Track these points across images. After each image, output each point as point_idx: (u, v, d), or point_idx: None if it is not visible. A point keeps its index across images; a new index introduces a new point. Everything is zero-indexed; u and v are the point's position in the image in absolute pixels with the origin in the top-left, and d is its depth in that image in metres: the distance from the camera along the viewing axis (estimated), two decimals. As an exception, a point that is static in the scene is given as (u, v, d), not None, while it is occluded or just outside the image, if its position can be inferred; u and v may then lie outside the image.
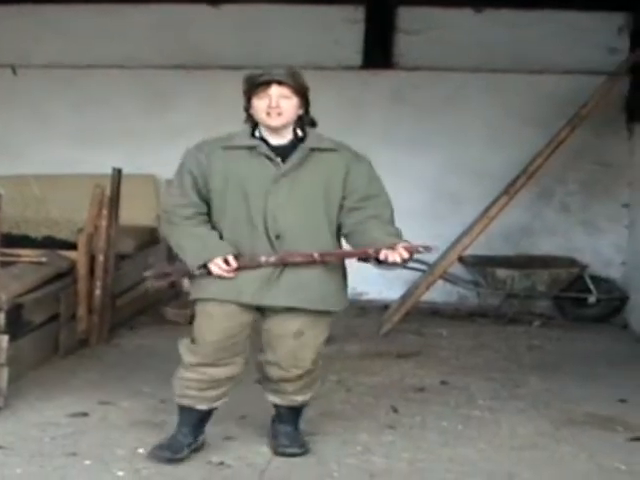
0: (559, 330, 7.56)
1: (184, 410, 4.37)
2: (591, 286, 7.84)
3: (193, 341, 4.26)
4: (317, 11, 8.34)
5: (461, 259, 7.69)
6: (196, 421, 4.38)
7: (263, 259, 4.13)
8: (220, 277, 4.13)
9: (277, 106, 4.11)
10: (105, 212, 6.47)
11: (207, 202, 4.23)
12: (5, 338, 5.04)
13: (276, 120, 4.14)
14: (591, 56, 8.09)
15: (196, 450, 4.39)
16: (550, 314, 7.98)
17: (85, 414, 4.97)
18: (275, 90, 4.11)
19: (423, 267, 7.54)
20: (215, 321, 4.19)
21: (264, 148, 4.17)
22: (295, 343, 4.28)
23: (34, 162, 8.44)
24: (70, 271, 6.36)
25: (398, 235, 4.17)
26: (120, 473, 4.19)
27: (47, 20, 8.55)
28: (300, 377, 4.37)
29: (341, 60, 8.40)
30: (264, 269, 4.14)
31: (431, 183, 8.36)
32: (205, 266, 4.14)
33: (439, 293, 7.97)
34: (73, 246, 6.53)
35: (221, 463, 4.33)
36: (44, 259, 6.26)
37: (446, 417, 5.14)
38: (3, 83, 8.62)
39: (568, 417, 5.18)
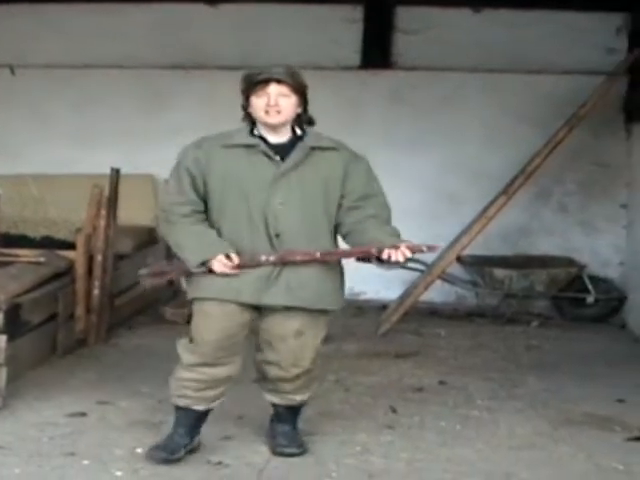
0: (557, 330, 7.56)
1: (181, 411, 4.35)
2: (589, 286, 7.85)
3: (191, 341, 4.25)
4: (315, 11, 8.34)
5: (459, 259, 7.69)
6: (193, 422, 4.36)
7: (263, 258, 4.12)
8: (221, 275, 4.10)
9: (276, 104, 4.11)
10: (103, 212, 6.47)
11: (204, 200, 4.21)
12: (3, 338, 5.04)
13: (275, 118, 4.13)
14: (589, 56, 8.10)
15: (192, 451, 4.38)
16: (548, 314, 7.99)
17: (83, 414, 4.97)
18: (274, 88, 4.11)
19: (421, 267, 7.55)
20: (214, 320, 4.18)
21: (264, 146, 4.16)
22: (296, 343, 4.27)
23: (32, 162, 8.44)
24: (68, 271, 6.36)
25: (397, 235, 4.18)
26: (118, 473, 4.19)
27: (45, 20, 8.55)
28: (299, 376, 4.36)
29: (339, 60, 8.40)
30: (263, 268, 4.13)
31: (429, 183, 8.37)
32: (204, 264, 4.12)
33: (437, 293, 7.98)
34: (71, 246, 6.53)
35: (219, 463, 4.33)
36: (42, 259, 6.26)
37: (444, 417, 5.14)
38: (1, 83, 8.62)
39: (566, 417, 5.18)
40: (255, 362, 4.41)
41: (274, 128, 4.18)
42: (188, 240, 4.16)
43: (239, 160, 4.16)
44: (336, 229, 4.29)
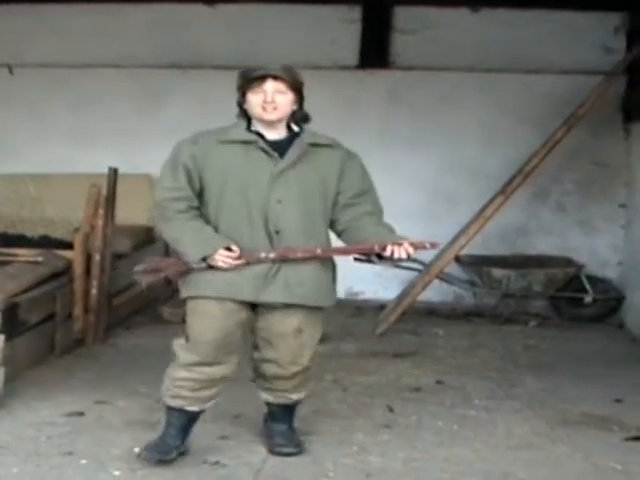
0: (555, 330, 7.57)
1: (174, 411, 4.31)
2: (587, 286, 7.85)
3: (188, 340, 4.22)
4: (313, 11, 8.35)
5: (457, 259, 7.69)
6: (186, 422, 4.33)
7: (263, 255, 4.10)
8: (223, 270, 4.06)
9: (272, 101, 4.10)
10: (101, 211, 6.47)
11: (199, 196, 4.18)
12: (1, 338, 5.05)
13: (272, 114, 4.13)
14: (587, 56, 8.10)
15: (182, 453, 4.34)
16: (546, 314, 7.99)
17: (81, 413, 4.97)
18: (270, 85, 4.10)
19: (419, 267, 7.55)
20: (212, 319, 4.15)
21: (262, 143, 4.15)
22: (295, 341, 4.26)
23: (30, 161, 8.45)
24: (66, 270, 6.36)
25: (393, 231, 4.20)
26: (116, 472, 4.19)
27: (44, 20, 8.55)
28: (297, 374, 4.36)
29: (337, 60, 8.40)
30: (261, 266, 4.11)
31: (427, 183, 8.37)
32: (205, 259, 4.08)
33: (435, 293, 7.98)
34: (69, 245, 6.53)
35: (216, 462, 4.32)
36: (40, 258, 6.26)
37: (442, 417, 5.13)
38: (0, 82, 8.62)
39: (564, 417, 5.18)
40: (252, 361, 4.39)
41: (270, 124, 4.17)
42: (186, 236, 4.13)
43: (236, 156, 4.15)
44: (331, 226, 4.29)
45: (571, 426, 5.03)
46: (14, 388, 5.20)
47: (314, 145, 4.20)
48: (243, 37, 8.36)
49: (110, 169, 6.64)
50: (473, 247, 7.49)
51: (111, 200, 6.60)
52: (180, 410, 4.30)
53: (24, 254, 6.35)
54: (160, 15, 8.49)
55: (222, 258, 4.07)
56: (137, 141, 8.37)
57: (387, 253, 4.08)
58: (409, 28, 8.39)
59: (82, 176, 7.53)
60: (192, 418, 4.34)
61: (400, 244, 4.08)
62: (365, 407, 5.28)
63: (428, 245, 4.22)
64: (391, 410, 5.23)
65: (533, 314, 7.91)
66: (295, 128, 4.25)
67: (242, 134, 4.18)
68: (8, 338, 5.13)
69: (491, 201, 7.40)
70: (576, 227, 8.35)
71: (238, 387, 4.54)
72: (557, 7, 8.09)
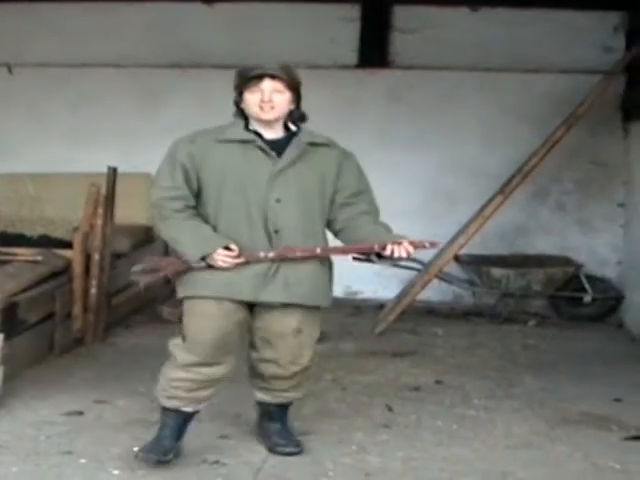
0: (554, 329, 7.57)
1: (169, 412, 4.28)
2: (586, 285, 7.84)
3: (185, 340, 4.19)
4: (312, 9, 8.34)
5: (456, 258, 7.69)
6: (181, 423, 4.30)
7: (262, 254, 4.09)
8: (222, 269, 4.05)
9: (270, 100, 4.09)
10: (100, 211, 6.47)
11: (196, 196, 4.16)
12: (0, 337, 5.04)
13: (269, 114, 4.11)
14: (587, 55, 8.10)
15: (176, 455, 4.30)
16: (545, 313, 7.99)
17: (80, 413, 4.97)
18: (268, 84, 4.09)
19: (419, 266, 7.55)
20: (211, 319, 4.13)
21: (260, 142, 4.14)
22: (295, 341, 4.25)
23: (29, 161, 8.45)
24: (65, 270, 6.36)
25: (390, 231, 4.20)
26: (115, 472, 4.19)
27: (42, 19, 8.54)
28: (297, 374, 4.35)
29: (337, 59, 8.40)
30: (260, 265, 4.10)
31: (426, 182, 8.37)
32: (204, 259, 4.06)
33: (434, 292, 7.98)
34: (69, 245, 6.53)
35: (216, 462, 4.32)
36: (39, 258, 6.26)
37: (441, 416, 5.13)
38: (-1, 82, 8.64)
39: (563, 416, 5.19)
40: (249, 361, 4.38)
41: (268, 124, 4.16)
42: (185, 235, 4.10)
43: (235, 155, 4.13)
44: (328, 225, 4.29)
45: (570, 425, 5.04)
46: (13, 387, 5.20)
47: (312, 144, 4.20)
48: (242, 36, 8.35)
49: (109, 168, 6.65)
50: (472, 246, 7.49)
51: (110, 199, 6.60)
52: (176, 411, 4.27)
53: (23, 253, 6.35)
54: (159, 14, 8.49)
55: (221, 257, 4.05)
56: (136, 140, 8.36)
57: (387, 252, 4.08)
58: (409, 27, 8.38)
59: (81, 175, 7.53)
60: (187, 418, 4.32)
61: (400, 243, 4.08)
62: (364, 406, 5.28)
63: (428, 244, 4.22)
64: (390, 409, 5.23)
65: (532, 313, 7.90)
66: (292, 127, 4.24)
67: (240, 133, 4.16)
68: (7, 337, 5.13)
69: (490, 200, 7.40)
70: (575, 226, 8.35)
71: (237, 386, 4.54)
72: (556, 6, 8.08)
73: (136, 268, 4.33)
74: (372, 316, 7.62)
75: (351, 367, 6.11)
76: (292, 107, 4.20)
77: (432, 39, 8.27)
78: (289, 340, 4.24)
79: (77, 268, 6.36)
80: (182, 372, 4.19)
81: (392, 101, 8.42)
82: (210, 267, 4.09)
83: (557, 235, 8.33)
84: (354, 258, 4.32)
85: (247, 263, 4.09)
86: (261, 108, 4.10)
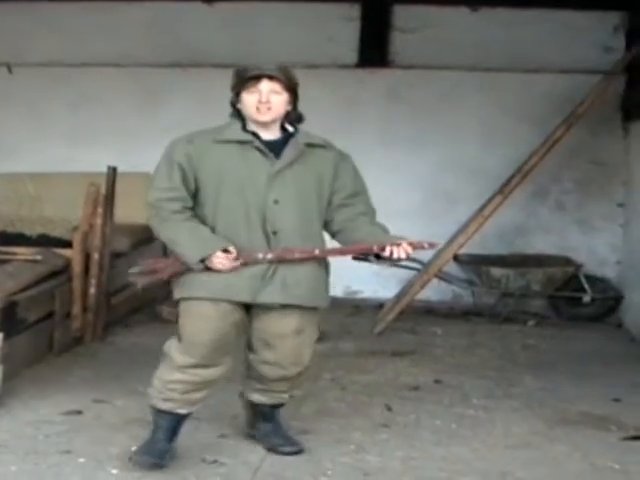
0: (554, 329, 7.57)
1: (163, 414, 4.24)
2: (586, 285, 7.85)
3: (181, 342, 4.15)
4: (312, 9, 8.34)
5: (456, 258, 7.69)
6: (175, 425, 4.27)
7: (260, 255, 4.07)
8: (220, 271, 4.03)
9: (267, 101, 4.07)
10: (100, 210, 6.47)
11: (194, 197, 4.14)
12: (0, 336, 5.04)
13: (265, 115, 4.10)
14: (587, 55, 8.11)
15: (170, 457, 4.26)
16: (545, 313, 8.00)
17: (79, 412, 4.97)
18: (265, 85, 4.07)
19: (418, 266, 7.54)
20: (208, 321, 4.10)
21: (258, 143, 4.12)
22: (295, 341, 4.23)
23: (29, 160, 8.45)
24: (65, 269, 6.37)
25: (387, 231, 4.19)
26: (114, 471, 4.18)
27: (42, 18, 8.55)
28: (299, 374, 4.35)
29: (336, 58, 8.40)
30: (258, 266, 4.07)
31: (426, 182, 8.37)
32: (203, 261, 4.04)
33: (434, 292, 7.98)
34: (68, 244, 6.53)
35: (215, 461, 4.32)
36: (39, 257, 6.26)
37: (440, 416, 5.13)
38: (-1, 81, 8.64)
39: (562, 416, 5.18)
40: (247, 363, 4.34)
41: (265, 125, 4.14)
42: (183, 236, 4.07)
43: (232, 156, 4.11)
44: (325, 227, 4.27)
45: (569, 425, 5.04)
46: (13, 387, 5.19)
47: (309, 145, 4.18)
48: (242, 35, 8.36)
49: (109, 168, 6.65)
50: (472, 246, 7.49)
51: (110, 199, 6.60)
52: (169, 413, 4.23)
53: (23, 253, 6.35)
54: (159, 14, 8.50)
55: (220, 260, 4.03)
56: (136, 140, 8.36)
57: (386, 253, 4.07)
58: (409, 27, 8.39)
59: (81, 175, 7.53)
60: (181, 420, 4.28)
61: (399, 244, 4.07)
62: (363, 406, 5.28)
63: (427, 245, 4.22)
64: (389, 409, 5.23)
65: (532, 313, 7.91)
66: (289, 128, 4.22)
67: (238, 134, 4.14)
68: (7, 336, 5.13)
69: (490, 200, 7.41)
70: (575, 226, 8.35)
71: (235, 386, 4.54)
72: (556, 6, 8.09)
73: (134, 270, 4.31)
74: (371, 316, 7.62)
75: (350, 367, 6.11)
76: (289, 108, 4.18)
77: (432, 39, 8.27)
78: (289, 341, 4.22)
79: (76, 267, 6.36)
80: (178, 374, 4.16)
81: (392, 101, 8.43)
82: (208, 269, 4.07)
83: (557, 235, 8.34)
84: (353, 257, 4.31)
85: (245, 264, 4.07)
86: (258, 109, 4.08)
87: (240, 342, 4.30)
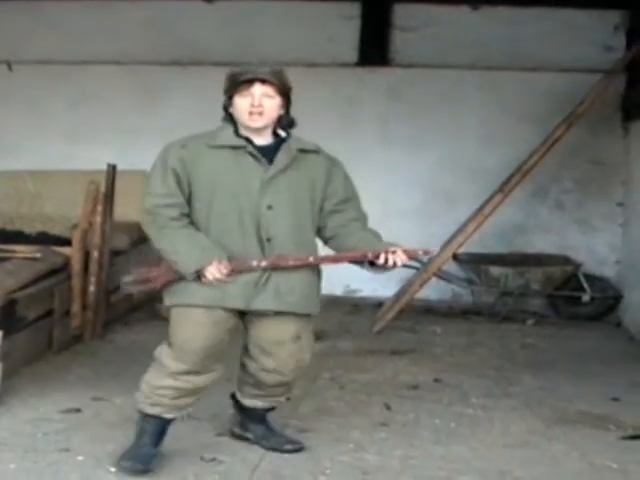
0: (553, 328, 7.57)
1: (150, 419, 4.21)
2: (585, 284, 7.85)
3: (173, 348, 4.12)
4: (312, 7, 8.35)
5: (455, 257, 7.70)
6: (161, 430, 4.24)
7: (255, 263, 4.02)
8: (211, 283, 3.97)
9: (260, 105, 4.01)
10: (99, 208, 6.47)
11: (187, 202, 4.08)
12: (-1, 334, 5.05)
13: (257, 122, 4.04)
14: (587, 54, 8.11)
15: (157, 462, 4.23)
16: (544, 312, 8.00)
17: (78, 410, 4.97)
18: (258, 89, 4.02)
19: (417, 265, 7.54)
20: (202, 328, 4.06)
21: (251, 148, 4.07)
22: (294, 347, 4.20)
23: (29, 158, 8.46)
24: (64, 267, 6.36)
25: (380, 237, 4.16)
26: (112, 469, 4.17)
27: (42, 16, 8.55)
28: (296, 378, 4.35)
29: (336, 57, 8.41)
30: (252, 273, 4.03)
31: (426, 181, 8.37)
32: (197, 270, 3.99)
33: (433, 291, 7.99)
34: (67, 242, 6.53)
35: (213, 459, 4.32)
36: (38, 255, 6.26)
37: (439, 415, 5.13)
38: (-1, 79, 8.65)
39: (561, 415, 5.18)
40: (245, 369, 4.32)
41: (257, 130, 4.08)
42: (180, 245, 4.00)
43: (226, 161, 4.06)
44: (317, 233, 4.24)
45: (568, 424, 5.04)
46: (12, 384, 5.19)
47: (302, 151, 4.14)
48: (241, 34, 8.36)
49: (109, 166, 6.65)
50: (471, 245, 7.49)
51: (109, 197, 6.60)
52: (157, 417, 4.20)
53: (22, 250, 6.35)
54: (158, 12, 8.50)
55: (213, 272, 3.96)
56: (136, 138, 8.37)
57: (380, 261, 4.05)
58: (409, 25, 8.39)
59: (81, 173, 7.53)
60: (167, 425, 4.25)
61: (394, 252, 4.05)
62: (362, 405, 5.28)
63: (421, 252, 4.22)
64: (388, 408, 5.23)
65: (531, 312, 7.92)
66: (282, 133, 4.17)
67: (231, 139, 4.09)
68: (6, 334, 5.13)
69: (489, 199, 7.40)
70: (574, 225, 8.36)
71: (234, 386, 4.53)
72: (557, 5, 8.10)
73: (127, 279, 4.28)
74: (371, 314, 7.62)
75: (349, 365, 6.11)
76: (282, 112, 4.12)
77: (432, 37, 8.28)
78: (289, 346, 4.19)
79: (76, 265, 6.36)
80: (170, 380, 4.12)
81: (392, 99, 8.43)
82: (199, 278, 4.00)
83: (556, 234, 8.34)
84: (351, 262, 4.28)
85: (239, 272, 4.01)
86: (250, 114, 4.03)
87: (237, 345, 4.29)
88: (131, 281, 4.27)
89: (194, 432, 4.54)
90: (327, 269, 4.30)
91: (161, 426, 4.23)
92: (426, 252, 4.26)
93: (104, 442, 4.49)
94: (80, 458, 4.30)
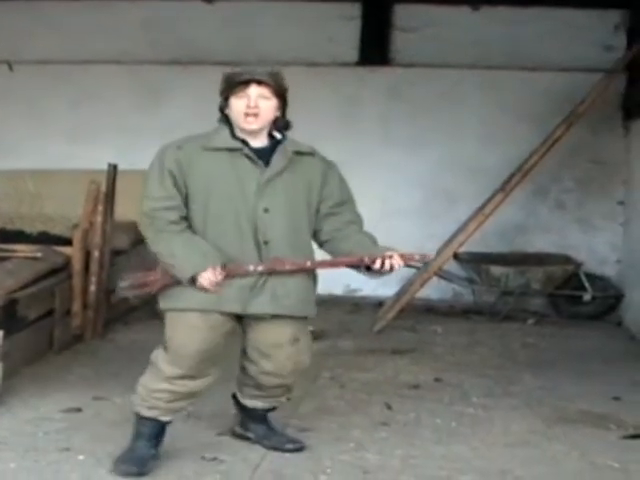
0: (553, 327, 7.58)
1: (145, 421, 4.20)
2: (586, 284, 7.85)
3: (169, 352, 4.10)
4: (313, 8, 8.35)
5: (456, 256, 7.69)
6: (157, 432, 4.23)
7: (251, 267, 4.00)
8: (207, 289, 3.95)
9: (255, 106, 3.99)
10: (100, 208, 6.48)
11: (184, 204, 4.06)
12: (0, 334, 5.04)
13: (252, 124, 4.02)
14: (587, 53, 8.12)
15: (153, 465, 4.22)
16: (545, 312, 8.00)
17: (79, 410, 4.97)
18: (254, 90, 3.99)
19: (418, 264, 7.53)
20: (198, 332, 4.05)
21: (247, 150, 4.04)
22: (292, 349, 4.19)
23: (29, 157, 8.46)
24: (65, 267, 6.36)
25: (375, 240, 4.15)
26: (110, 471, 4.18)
27: (42, 16, 8.56)
28: (296, 379, 4.35)
29: (337, 57, 8.41)
30: (248, 277, 4.01)
31: (426, 180, 8.37)
32: (194, 276, 3.96)
33: (434, 290, 7.99)
34: (68, 242, 6.53)
35: (214, 459, 4.32)
36: (39, 254, 6.26)
37: (440, 414, 5.13)
38: (-1, 79, 8.65)
39: (561, 415, 5.18)
40: (245, 371, 4.32)
41: (252, 132, 4.06)
42: (178, 249, 3.97)
43: (222, 164, 4.03)
44: (313, 236, 4.22)
45: (568, 424, 5.03)
46: (12, 384, 5.19)
47: (297, 153, 4.12)
48: (241, 34, 8.37)
49: (109, 165, 6.65)
50: (472, 244, 7.49)
51: (110, 196, 6.60)
52: (153, 420, 4.19)
53: (23, 250, 6.35)
54: (159, 11, 8.50)
55: (207, 278, 3.94)
56: (137, 137, 8.36)
57: (377, 266, 4.04)
58: (409, 25, 8.40)
59: (81, 172, 7.52)
60: (163, 427, 4.24)
61: (390, 256, 4.04)
62: (363, 404, 5.28)
63: (418, 257, 4.22)
64: (389, 407, 5.23)
65: (532, 312, 7.92)
66: (277, 135, 4.15)
67: (227, 141, 4.06)
68: (7, 334, 5.12)
69: (490, 199, 7.40)
70: (575, 225, 8.36)
71: (234, 385, 4.53)
72: (557, 4, 8.11)
73: (123, 283, 4.25)
74: (371, 314, 7.62)
75: (350, 365, 6.11)
76: (278, 114, 4.10)
77: (433, 37, 8.28)
78: (287, 349, 4.19)
79: (76, 265, 6.36)
80: (165, 384, 4.11)
81: (392, 99, 8.43)
82: (194, 283, 3.98)
83: (557, 233, 8.34)
84: (348, 266, 4.27)
85: (236, 276, 4.00)
86: (246, 115, 4.00)
87: (236, 345, 4.28)
88: (127, 286, 4.24)
89: (195, 432, 4.55)
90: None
91: (157, 428, 4.22)
92: (423, 256, 4.26)
93: (105, 442, 4.49)
94: (81, 457, 4.29)
